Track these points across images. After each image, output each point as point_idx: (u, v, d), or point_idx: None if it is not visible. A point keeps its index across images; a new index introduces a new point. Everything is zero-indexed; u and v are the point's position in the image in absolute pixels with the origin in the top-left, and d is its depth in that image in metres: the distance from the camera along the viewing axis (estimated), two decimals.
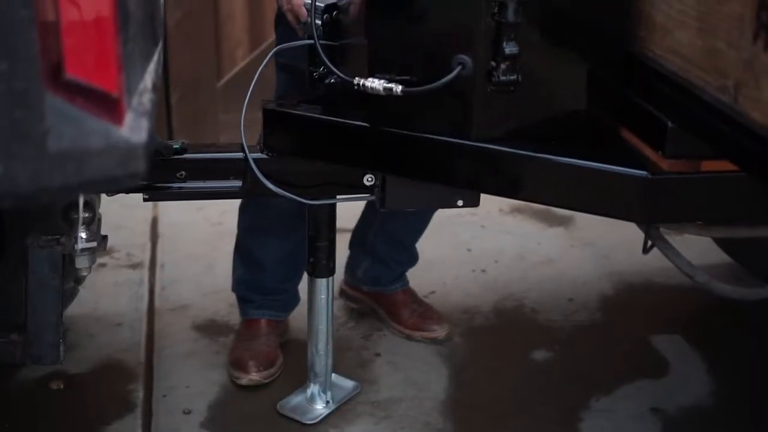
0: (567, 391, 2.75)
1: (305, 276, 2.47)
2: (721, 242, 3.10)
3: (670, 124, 1.75)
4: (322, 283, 2.34)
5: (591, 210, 1.89)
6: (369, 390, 2.72)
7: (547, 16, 1.82)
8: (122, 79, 1.17)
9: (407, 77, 1.87)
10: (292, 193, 2.06)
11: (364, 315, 3.11)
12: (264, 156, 2.07)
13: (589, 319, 3.14)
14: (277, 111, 2.03)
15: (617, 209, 1.87)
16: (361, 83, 1.88)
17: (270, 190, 2.04)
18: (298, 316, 2.95)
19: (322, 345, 2.42)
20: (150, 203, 3.74)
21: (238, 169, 2.07)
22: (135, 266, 3.40)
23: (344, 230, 2.78)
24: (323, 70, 2.12)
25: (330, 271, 2.33)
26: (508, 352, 2.95)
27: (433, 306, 3.10)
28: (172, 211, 3.77)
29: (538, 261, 3.48)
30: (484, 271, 3.41)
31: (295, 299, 2.94)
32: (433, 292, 3.24)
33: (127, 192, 2.03)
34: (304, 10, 2.36)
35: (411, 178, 2.00)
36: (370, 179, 2.09)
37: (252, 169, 2.03)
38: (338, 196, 2.14)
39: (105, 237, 2.19)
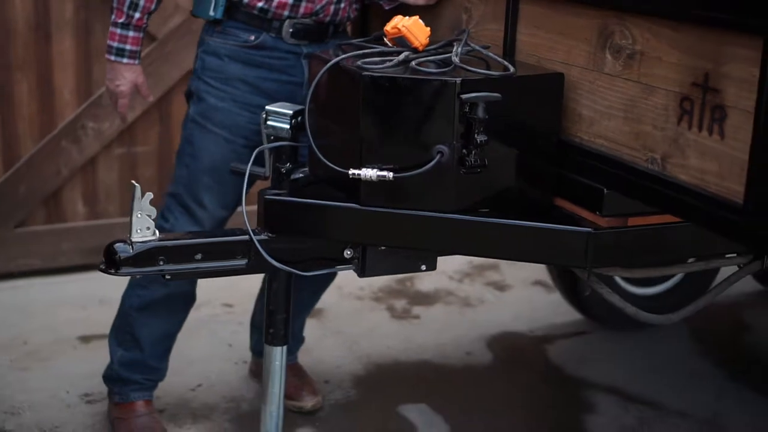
0: None
1: None
2: None
3: (605, 190, 2.34)
4: (277, 350, 2.68)
5: (547, 261, 2.43)
6: None
7: (499, 114, 2.35)
8: None
9: (392, 165, 2.34)
10: (290, 267, 2.46)
11: None
12: (265, 237, 2.45)
13: (344, 397, 3.62)
14: (277, 200, 2.44)
15: (568, 259, 2.43)
16: (355, 173, 2.33)
17: (273, 265, 2.43)
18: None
19: (274, 407, 2.73)
20: None
21: (243, 249, 2.44)
22: None
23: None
24: (290, 166, 2.56)
25: (285, 340, 2.68)
26: None
27: (312, 380, 3.53)
28: None
29: None
30: (245, 362, 3.78)
31: (163, 377, 3.30)
32: (200, 386, 3.61)
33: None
34: (124, 102, 3.00)
35: (393, 247, 2.46)
36: (348, 252, 2.52)
37: (257, 248, 2.42)
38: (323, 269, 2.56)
39: None
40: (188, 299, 3.19)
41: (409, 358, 3.94)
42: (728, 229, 2.06)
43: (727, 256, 2.59)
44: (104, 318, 3.94)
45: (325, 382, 3.68)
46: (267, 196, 2.46)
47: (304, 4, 2.87)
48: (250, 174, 2.59)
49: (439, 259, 4.56)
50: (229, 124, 2.94)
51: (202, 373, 3.68)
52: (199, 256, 2.41)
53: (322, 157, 2.39)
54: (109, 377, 3.26)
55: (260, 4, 2.86)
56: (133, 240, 2.36)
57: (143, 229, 2.36)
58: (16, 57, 4.30)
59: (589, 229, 2.35)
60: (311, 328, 4.03)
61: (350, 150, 2.38)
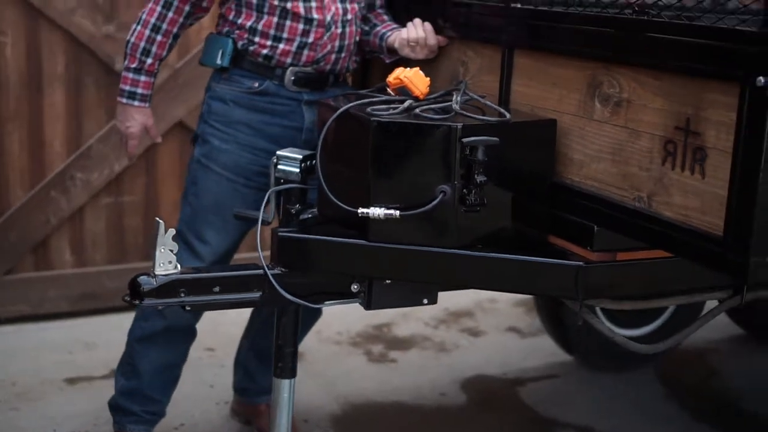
0: None
1: None
2: None
3: (596, 227, 2.53)
4: (285, 383, 2.80)
5: (541, 293, 2.61)
6: None
7: (497, 157, 2.54)
8: None
9: (398, 204, 2.52)
10: (301, 300, 2.62)
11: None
12: (278, 271, 2.62)
13: None
14: (291, 237, 2.62)
15: (561, 291, 2.62)
16: (364, 212, 2.51)
17: (286, 298, 2.59)
18: None
19: None
20: None
21: (258, 283, 2.61)
22: None
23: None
24: (299, 207, 2.73)
25: (293, 374, 2.80)
26: None
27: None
28: None
29: None
30: (226, 403, 3.91)
31: (164, 414, 3.42)
32: (182, 425, 3.73)
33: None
34: (134, 143, 3.21)
35: (399, 281, 2.63)
36: (356, 287, 2.68)
37: (271, 282, 2.58)
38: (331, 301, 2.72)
39: None
40: (187, 333, 3.34)
41: (385, 399, 4.08)
42: (710, 260, 2.26)
43: (710, 290, 2.78)
44: (90, 362, 4.16)
45: (305, 421, 3.82)
46: (281, 234, 2.62)
47: (306, 52, 3.07)
48: (248, 218, 2.77)
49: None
50: (232, 165, 3.12)
51: (185, 412, 3.79)
52: (217, 289, 2.57)
53: (332, 197, 2.56)
54: (111, 406, 3.40)
55: (265, 51, 3.06)
56: (157, 273, 2.51)
57: (165, 263, 2.52)
58: (8, 110, 4.45)
59: (581, 263, 2.54)
60: None
61: (359, 190, 2.56)
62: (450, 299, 3.96)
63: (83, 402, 3.86)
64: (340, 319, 4.63)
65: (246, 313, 3.71)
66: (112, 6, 4.53)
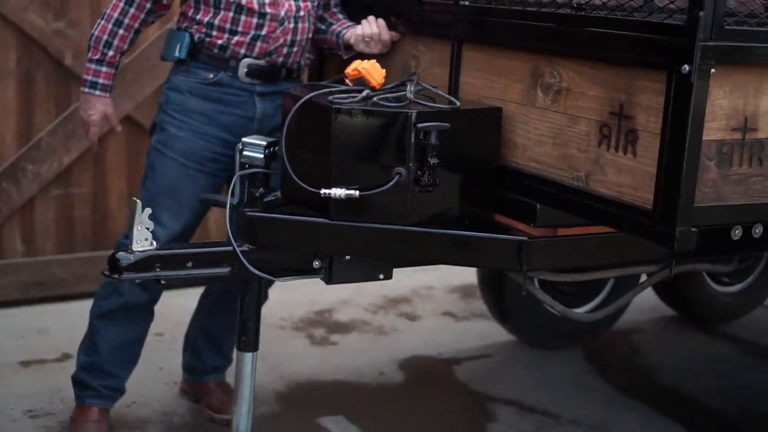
0: None
1: None
2: None
3: (538, 205, 2.77)
4: (248, 357, 2.98)
5: (489, 266, 2.84)
6: None
7: (447, 141, 2.76)
8: None
9: (358, 185, 2.73)
10: (267, 275, 2.82)
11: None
12: (246, 248, 2.82)
13: (269, 411, 3.94)
14: (258, 216, 2.82)
15: (507, 263, 2.85)
16: (326, 192, 2.72)
17: (252, 273, 2.78)
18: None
19: (245, 408, 3.03)
20: None
21: (228, 259, 2.80)
22: None
23: None
24: (263, 190, 2.93)
25: (255, 347, 2.98)
26: None
27: None
28: None
29: None
30: (176, 383, 4.08)
31: (123, 390, 3.59)
32: (134, 403, 3.88)
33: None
34: (95, 130, 3.39)
35: (358, 256, 2.85)
36: (317, 263, 2.89)
37: (239, 258, 2.78)
38: (294, 277, 2.92)
39: None
40: (144, 312, 3.51)
41: (327, 378, 4.28)
42: (642, 231, 2.50)
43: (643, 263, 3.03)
44: (42, 346, 4.34)
45: None
46: (248, 213, 2.82)
47: (259, 44, 3.27)
48: (216, 202, 2.97)
49: (355, 292, 5.00)
50: (187, 152, 3.31)
51: (135, 392, 3.90)
52: (189, 264, 2.76)
53: (296, 179, 2.77)
54: (73, 381, 3.57)
55: (220, 42, 3.27)
56: (134, 249, 2.70)
57: (142, 240, 2.70)
58: None
59: (525, 238, 2.78)
60: None
61: (321, 173, 2.76)
62: (388, 287, 4.11)
63: (37, 383, 4.01)
64: (283, 305, 4.83)
65: (193, 300, 3.90)
66: (62, 3, 4.68)
